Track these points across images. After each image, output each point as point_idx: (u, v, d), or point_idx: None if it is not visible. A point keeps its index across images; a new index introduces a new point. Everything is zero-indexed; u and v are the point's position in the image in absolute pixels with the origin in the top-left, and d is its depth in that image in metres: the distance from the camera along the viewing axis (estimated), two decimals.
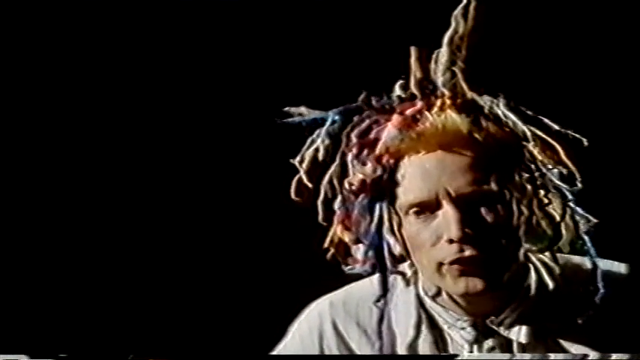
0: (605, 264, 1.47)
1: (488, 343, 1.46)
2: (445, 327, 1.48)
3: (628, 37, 2.00)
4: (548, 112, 1.45)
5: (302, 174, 1.47)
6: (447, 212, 1.39)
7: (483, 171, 1.40)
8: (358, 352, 1.52)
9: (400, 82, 1.49)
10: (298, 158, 1.49)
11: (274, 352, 1.58)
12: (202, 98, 2.14)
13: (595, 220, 1.44)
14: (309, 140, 1.50)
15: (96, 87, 2.16)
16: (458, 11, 1.46)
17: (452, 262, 1.39)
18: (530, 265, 1.47)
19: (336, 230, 1.47)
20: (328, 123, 1.49)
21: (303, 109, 1.52)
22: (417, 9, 1.93)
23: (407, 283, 1.50)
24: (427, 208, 1.41)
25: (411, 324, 1.50)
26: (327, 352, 1.53)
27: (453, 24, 1.46)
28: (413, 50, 1.48)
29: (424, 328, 1.49)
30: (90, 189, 2.18)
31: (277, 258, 2.09)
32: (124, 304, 2.15)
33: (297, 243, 1.75)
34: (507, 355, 1.46)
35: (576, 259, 1.48)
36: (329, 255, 1.47)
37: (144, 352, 1.67)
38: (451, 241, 1.38)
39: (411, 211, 1.42)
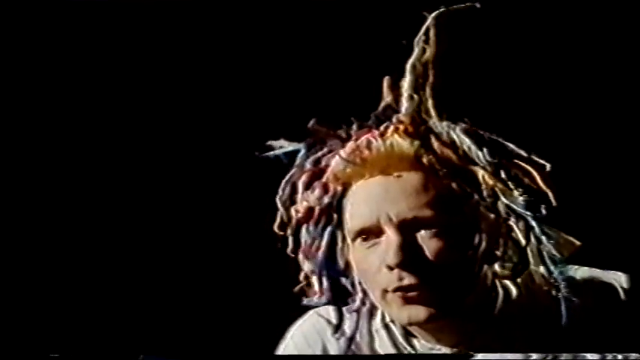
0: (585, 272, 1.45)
1: None
2: None
3: (594, 58, 1.99)
4: (516, 136, 1.42)
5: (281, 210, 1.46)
6: (388, 237, 1.35)
7: (429, 196, 1.35)
8: None
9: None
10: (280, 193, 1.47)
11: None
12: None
13: (578, 243, 1.39)
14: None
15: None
16: (419, 37, 1.44)
17: (394, 290, 1.35)
18: (499, 289, 1.42)
19: (299, 260, 1.45)
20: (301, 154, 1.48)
21: (282, 142, 1.51)
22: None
23: (370, 314, 1.47)
24: (372, 233, 1.37)
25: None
26: None
27: (415, 50, 1.44)
28: (385, 80, 1.46)
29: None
30: (93, 188, 2.16)
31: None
32: (133, 305, 2.14)
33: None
34: (517, 355, 1.41)
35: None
36: (296, 288, 1.45)
37: (154, 352, 1.68)
38: (390, 268, 1.34)
39: (358, 237, 1.39)
